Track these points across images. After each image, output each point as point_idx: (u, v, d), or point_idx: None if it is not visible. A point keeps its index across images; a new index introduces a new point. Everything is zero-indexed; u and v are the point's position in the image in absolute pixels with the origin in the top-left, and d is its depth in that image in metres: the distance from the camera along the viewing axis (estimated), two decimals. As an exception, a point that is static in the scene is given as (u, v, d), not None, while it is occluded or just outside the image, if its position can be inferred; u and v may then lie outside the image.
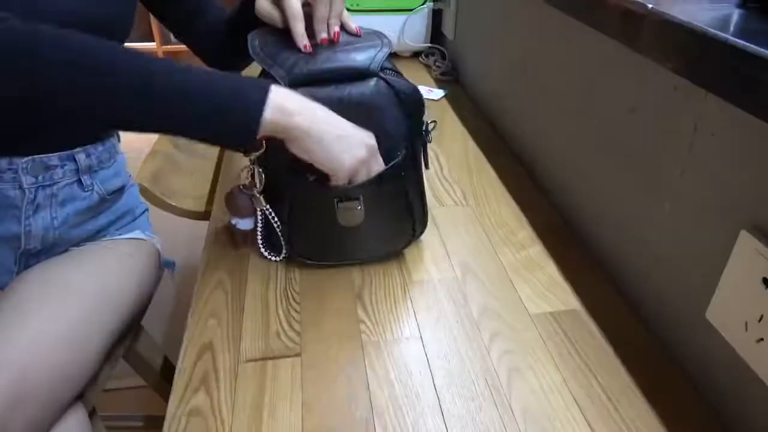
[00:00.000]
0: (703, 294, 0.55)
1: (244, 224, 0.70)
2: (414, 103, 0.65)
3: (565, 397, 0.54)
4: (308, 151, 0.56)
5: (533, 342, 0.60)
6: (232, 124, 0.53)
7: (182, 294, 1.67)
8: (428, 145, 0.70)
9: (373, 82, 0.63)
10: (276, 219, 0.68)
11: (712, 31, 0.47)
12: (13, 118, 0.68)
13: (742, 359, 0.50)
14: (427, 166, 0.70)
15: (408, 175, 0.67)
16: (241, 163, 0.95)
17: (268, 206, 0.67)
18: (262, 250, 0.71)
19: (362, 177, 0.61)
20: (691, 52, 0.49)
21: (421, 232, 0.74)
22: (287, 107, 0.54)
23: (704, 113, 0.54)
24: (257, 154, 0.59)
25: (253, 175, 0.65)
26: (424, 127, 0.68)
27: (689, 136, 0.56)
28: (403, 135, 0.65)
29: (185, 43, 0.87)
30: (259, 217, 0.69)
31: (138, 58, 0.51)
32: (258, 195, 0.66)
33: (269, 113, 0.53)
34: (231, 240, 0.76)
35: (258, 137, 0.54)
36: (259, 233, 0.70)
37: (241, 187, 0.67)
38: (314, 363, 0.57)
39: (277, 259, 0.72)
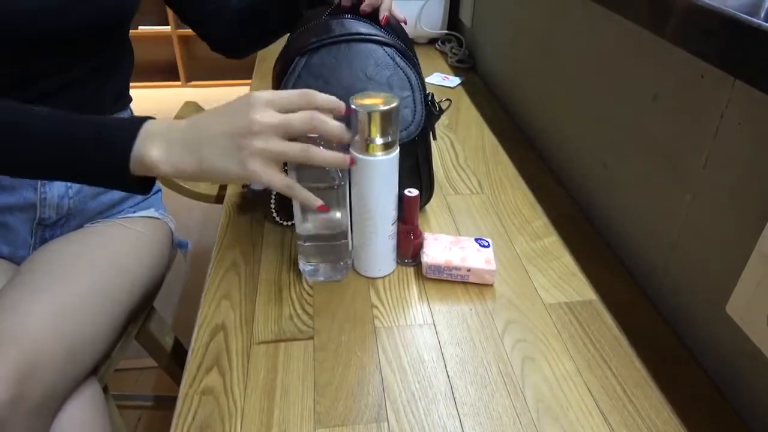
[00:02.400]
0: (724, 287, 0.54)
1: (256, 185, 0.72)
2: (412, 56, 0.70)
3: (579, 388, 0.53)
4: (200, 179, 0.52)
5: (547, 332, 0.59)
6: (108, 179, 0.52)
7: (193, 277, 1.68)
8: (438, 121, 0.72)
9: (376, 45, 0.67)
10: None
11: (744, 16, 0.45)
12: (24, 85, 0.68)
13: (762, 354, 0.49)
14: (434, 137, 0.73)
15: (418, 140, 0.69)
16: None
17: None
18: (274, 213, 0.73)
19: (266, 166, 0.51)
20: (720, 37, 0.48)
21: (428, 200, 0.76)
22: (146, 161, 0.50)
23: (731, 101, 0.52)
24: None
25: None
26: (429, 98, 0.69)
27: (714, 124, 0.55)
28: (412, 87, 0.68)
29: (192, 27, 0.86)
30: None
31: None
32: None
33: (133, 168, 0.51)
34: (244, 218, 0.76)
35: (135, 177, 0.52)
36: (273, 196, 0.71)
37: None
38: (326, 346, 0.57)
39: (289, 224, 0.73)
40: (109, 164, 0.51)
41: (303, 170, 0.59)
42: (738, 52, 0.46)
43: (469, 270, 0.64)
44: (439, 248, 0.66)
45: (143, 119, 0.52)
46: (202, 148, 0.50)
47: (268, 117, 0.50)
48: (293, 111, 0.51)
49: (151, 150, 0.50)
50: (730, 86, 0.52)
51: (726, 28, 0.47)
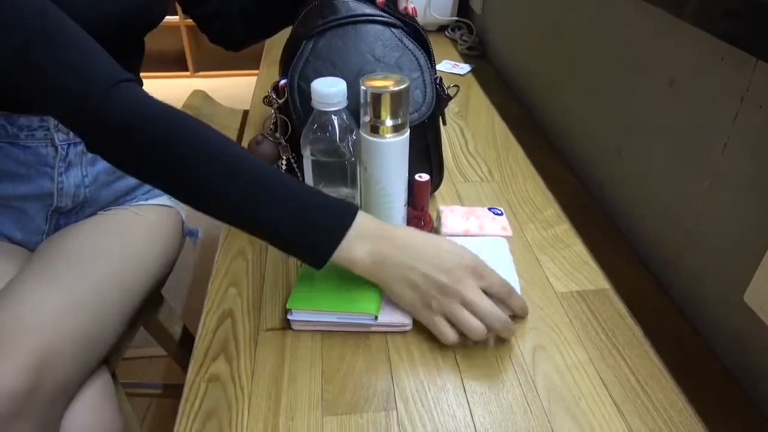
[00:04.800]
0: (742, 275, 0.52)
1: None
2: (422, 37, 0.69)
3: (592, 377, 0.52)
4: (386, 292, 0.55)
5: (559, 321, 0.58)
6: (305, 254, 0.53)
7: (203, 266, 1.68)
8: (448, 108, 0.72)
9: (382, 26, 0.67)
10: (297, 168, 0.70)
11: (768, -7, 0.44)
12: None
13: (782, 344, 0.48)
14: (444, 122, 0.72)
15: (428, 123, 0.69)
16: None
17: (294, 154, 0.69)
18: None
19: (454, 310, 0.52)
20: (742, 16, 0.46)
21: (438, 185, 0.76)
22: (354, 257, 0.52)
23: (753, 84, 0.51)
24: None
25: (276, 124, 0.66)
26: (437, 81, 0.69)
27: (734, 109, 0.53)
28: (421, 68, 0.67)
29: (194, 18, 0.85)
30: (283, 166, 0.70)
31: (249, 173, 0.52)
32: (285, 143, 0.67)
33: (336, 257, 0.52)
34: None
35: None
36: None
37: (266, 134, 0.68)
38: (334, 333, 0.56)
39: None
40: (315, 245, 0.52)
41: (315, 144, 0.58)
42: (761, 31, 0.44)
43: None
44: (456, 218, 0.67)
45: (354, 210, 0.53)
46: (402, 271, 0.52)
47: (476, 296, 0.52)
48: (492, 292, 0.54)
49: (358, 251, 0.52)
50: (752, 68, 0.51)
51: (748, 6, 0.45)
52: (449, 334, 0.53)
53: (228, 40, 0.88)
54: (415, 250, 0.53)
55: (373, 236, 0.52)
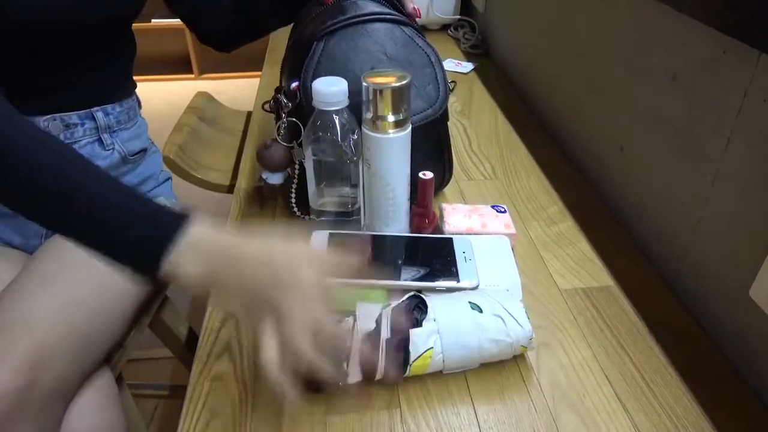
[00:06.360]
0: (748, 270, 0.52)
1: (274, 179, 0.70)
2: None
3: (596, 374, 0.52)
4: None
5: (563, 318, 0.58)
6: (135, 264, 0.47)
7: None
8: (450, 105, 0.73)
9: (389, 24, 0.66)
10: None
11: (770, -14, 0.43)
12: (31, 76, 0.69)
13: (788, 339, 0.47)
14: (447, 117, 0.72)
15: (440, 118, 0.69)
16: (264, 137, 0.95)
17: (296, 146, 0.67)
18: (294, 206, 0.70)
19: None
20: (744, 9, 0.46)
21: (449, 180, 0.76)
22: (179, 274, 0.43)
23: (756, 78, 0.50)
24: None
25: (287, 128, 0.65)
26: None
27: (738, 102, 0.53)
28: (432, 64, 0.67)
29: (183, 17, 0.83)
30: (296, 170, 0.69)
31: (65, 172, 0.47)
32: (299, 146, 0.66)
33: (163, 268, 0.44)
34: (256, 209, 0.75)
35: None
36: (293, 188, 0.70)
37: (278, 138, 0.67)
38: (338, 333, 0.56)
39: (307, 218, 0.71)
40: (141, 257, 0.46)
41: (317, 145, 0.58)
42: (763, 23, 0.44)
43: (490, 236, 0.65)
44: (459, 216, 0.67)
45: (186, 220, 0.45)
46: (236, 288, 0.44)
47: (302, 331, 0.41)
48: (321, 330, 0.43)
49: (188, 267, 0.44)
50: (755, 61, 0.50)
51: (750, -1, 0.45)
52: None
53: (217, 39, 0.85)
54: (254, 270, 0.44)
55: (203, 250, 0.44)
